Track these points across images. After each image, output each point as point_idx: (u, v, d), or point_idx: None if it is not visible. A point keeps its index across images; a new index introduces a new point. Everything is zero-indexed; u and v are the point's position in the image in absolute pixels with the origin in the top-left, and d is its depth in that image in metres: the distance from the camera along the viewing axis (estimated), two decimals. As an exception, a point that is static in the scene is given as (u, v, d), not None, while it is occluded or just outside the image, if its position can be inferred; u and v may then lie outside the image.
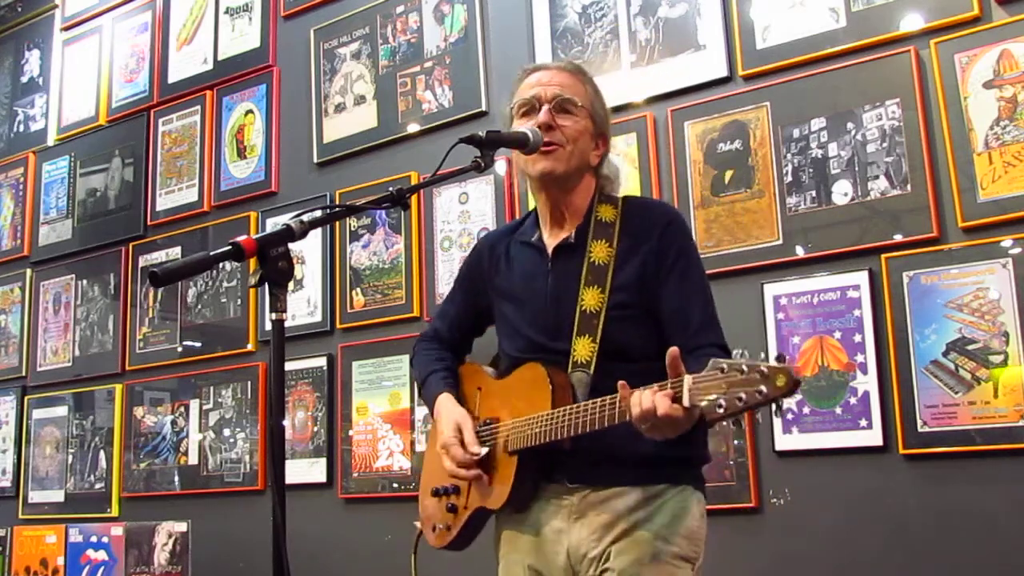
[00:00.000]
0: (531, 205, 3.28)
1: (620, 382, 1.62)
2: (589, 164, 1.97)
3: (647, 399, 1.56)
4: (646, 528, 1.78)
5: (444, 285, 3.46)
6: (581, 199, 1.97)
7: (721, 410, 1.45)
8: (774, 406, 1.44)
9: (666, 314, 1.85)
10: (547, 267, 1.96)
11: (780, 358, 1.42)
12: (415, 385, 2.17)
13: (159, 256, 4.32)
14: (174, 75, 4.47)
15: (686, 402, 1.50)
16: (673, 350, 1.57)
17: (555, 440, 1.76)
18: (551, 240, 1.98)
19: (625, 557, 1.76)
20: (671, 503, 1.82)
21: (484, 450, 1.88)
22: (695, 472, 1.91)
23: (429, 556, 2.10)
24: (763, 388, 1.41)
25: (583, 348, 1.83)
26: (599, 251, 1.89)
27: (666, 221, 1.92)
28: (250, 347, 3.95)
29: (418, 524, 2.10)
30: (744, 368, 1.43)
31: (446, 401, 2.02)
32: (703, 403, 1.47)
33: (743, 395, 1.42)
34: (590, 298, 1.85)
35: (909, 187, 2.63)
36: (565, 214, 1.97)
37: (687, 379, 1.51)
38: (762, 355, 1.40)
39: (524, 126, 1.92)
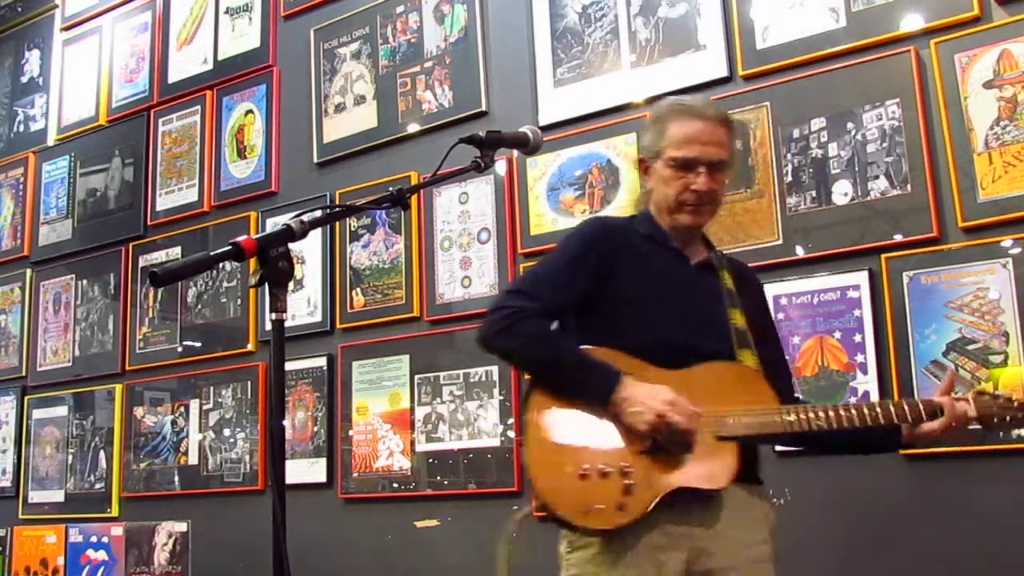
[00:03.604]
0: (532, 204, 3.30)
1: (949, 371, 2.07)
2: None
3: (963, 406, 1.90)
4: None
5: (444, 285, 3.46)
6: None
7: (998, 423, 1.90)
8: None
9: (770, 362, 2.04)
10: (692, 275, 2.06)
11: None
12: (535, 362, 1.98)
13: (159, 256, 4.32)
14: (174, 75, 4.47)
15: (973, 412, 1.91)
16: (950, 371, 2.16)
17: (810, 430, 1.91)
18: (691, 254, 2.08)
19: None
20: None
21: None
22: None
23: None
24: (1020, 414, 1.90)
25: (749, 359, 1.97)
26: (727, 279, 2.06)
27: (759, 282, 2.26)
28: (250, 347, 3.95)
29: (525, 509, 2.09)
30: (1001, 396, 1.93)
31: (635, 380, 1.90)
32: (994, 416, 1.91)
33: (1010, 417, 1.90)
34: (736, 317, 2.00)
35: (909, 187, 2.63)
36: (692, 234, 2.10)
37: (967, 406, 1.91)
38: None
39: (673, 183, 2.01)
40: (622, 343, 1.94)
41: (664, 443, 1.86)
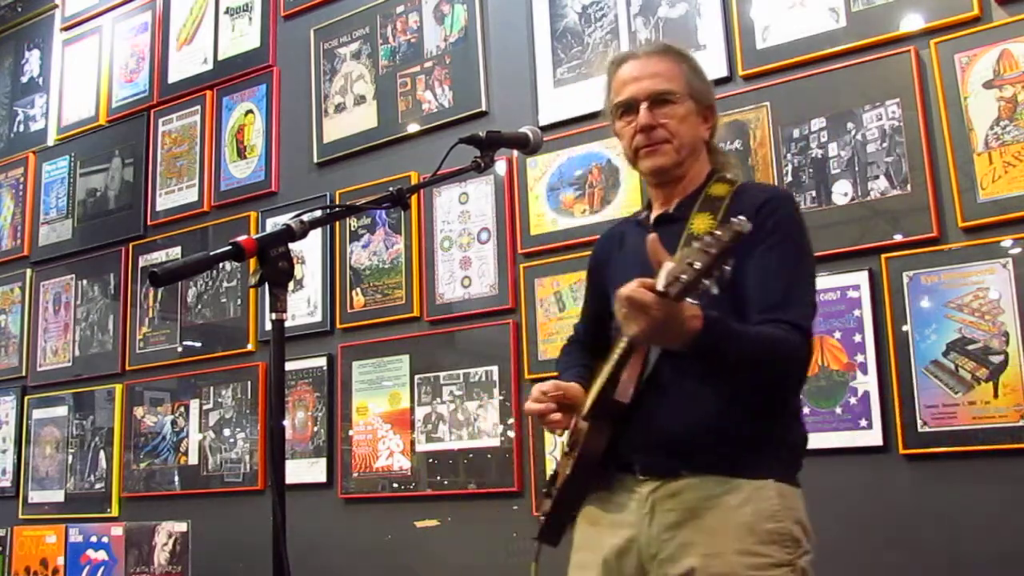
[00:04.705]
0: (532, 204, 3.30)
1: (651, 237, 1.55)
2: (702, 142, 1.90)
3: (627, 286, 1.48)
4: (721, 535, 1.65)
5: (444, 285, 3.47)
6: (694, 178, 1.89)
7: (680, 284, 1.39)
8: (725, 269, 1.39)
9: (748, 289, 1.69)
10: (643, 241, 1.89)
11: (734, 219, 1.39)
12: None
13: (159, 256, 4.32)
14: (174, 75, 4.47)
15: (659, 284, 1.43)
16: (652, 237, 1.53)
17: (607, 393, 1.70)
18: (662, 210, 1.91)
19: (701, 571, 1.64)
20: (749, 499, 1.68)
21: (551, 404, 1.82)
22: (777, 458, 1.73)
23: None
24: (712, 249, 1.37)
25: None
26: (700, 222, 1.76)
27: (768, 196, 1.79)
28: (250, 347, 3.95)
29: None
30: (706, 237, 1.39)
31: None
32: (673, 283, 1.41)
33: (696, 261, 1.38)
34: None
35: (909, 187, 2.63)
36: (674, 192, 1.89)
37: (667, 263, 1.45)
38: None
39: (624, 133, 1.86)
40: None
41: (570, 442, 1.85)
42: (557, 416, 1.81)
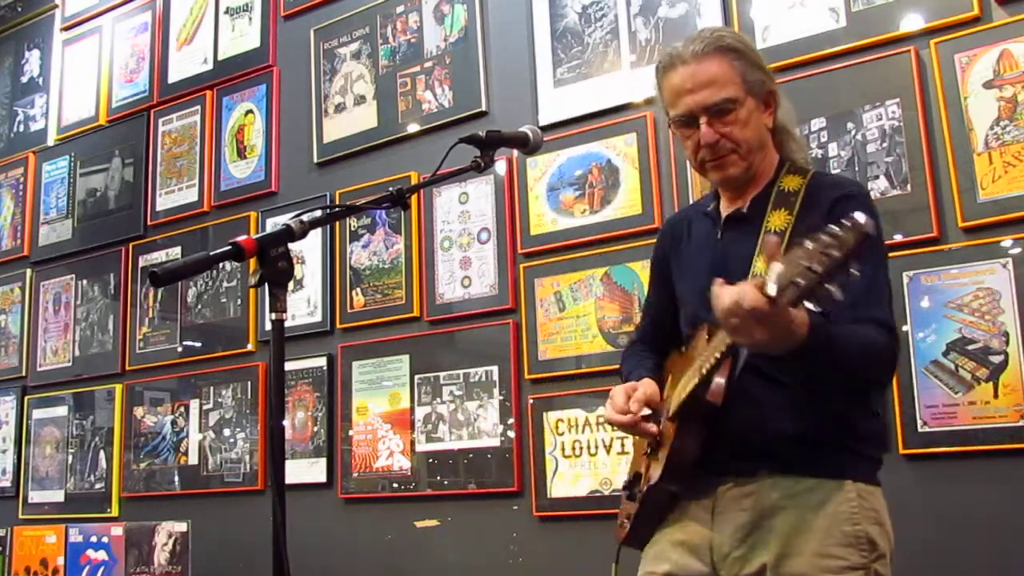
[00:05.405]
0: (532, 204, 3.30)
1: (771, 239, 1.51)
2: (767, 132, 1.83)
3: (733, 290, 1.40)
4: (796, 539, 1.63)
5: (444, 285, 3.47)
6: (765, 172, 1.83)
7: (798, 289, 1.30)
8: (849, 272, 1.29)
9: None
10: (717, 237, 1.84)
11: (853, 215, 1.29)
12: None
13: (159, 256, 4.32)
14: (174, 75, 4.46)
15: (771, 289, 1.33)
16: (771, 238, 1.49)
17: (698, 395, 1.62)
18: (726, 209, 1.85)
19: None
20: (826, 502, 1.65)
21: (645, 411, 1.75)
22: (858, 456, 1.72)
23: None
24: (834, 251, 1.27)
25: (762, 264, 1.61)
26: (777, 219, 1.72)
27: (843, 193, 1.73)
28: (250, 347, 3.95)
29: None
30: (822, 236, 1.28)
31: (619, 386, 1.86)
32: (787, 288, 1.31)
33: (816, 265, 1.28)
34: (764, 266, 1.60)
35: (909, 187, 2.63)
36: (747, 188, 1.83)
37: (775, 265, 1.34)
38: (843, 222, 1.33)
39: (687, 145, 1.81)
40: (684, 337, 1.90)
41: (650, 442, 1.80)
42: (652, 427, 1.75)
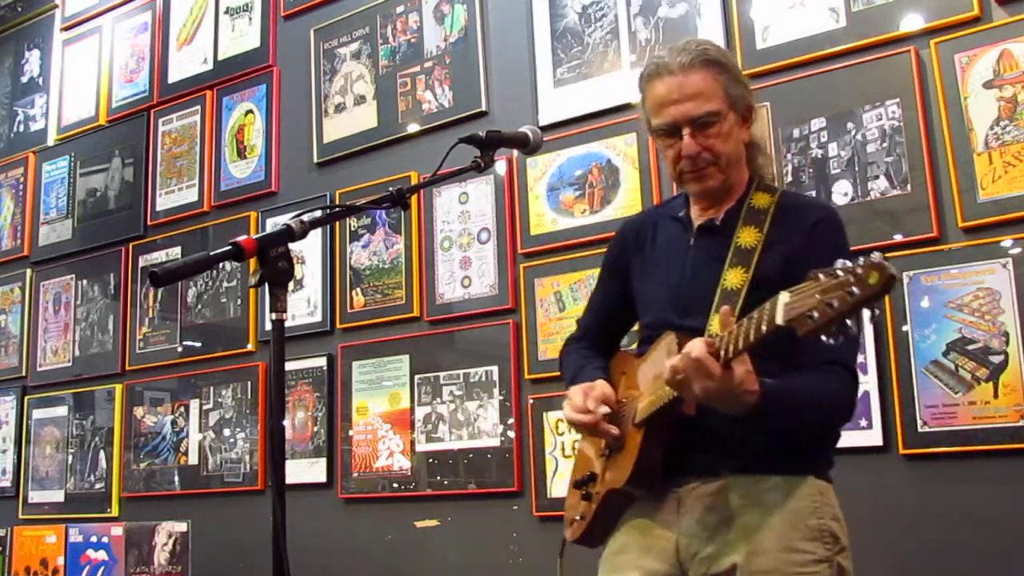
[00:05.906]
0: (532, 204, 3.30)
1: (724, 308, 1.54)
2: (743, 146, 1.86)
3: (690, 345, 1.47)
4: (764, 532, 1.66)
5: (444, 285, 3.47)
6: (737, 186, 1.86)
7: (812, 322, 1.30)
8: (868, 312, 1.28)
9: None
10: (688, 243, 1.86)
11: (872, 255, 1.28)
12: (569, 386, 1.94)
13: (159, 256, 4.32)
14: (174, 75, 4.47)
15: (779, 319, 1.35)
16: (725, 308, 1.53)
17: (671, 405, 1.63)
18: (698, 218, 1.87)
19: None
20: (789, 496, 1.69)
21: (604, 409, 1.77)
22: (818, 454, 1.78)
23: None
24: (855, 289, 1.26)
25: (719, 326, 1.62)
26: (747, 235, 1.77)
27: (820, 216, 1.80)
28: (250, 347, 3.95)
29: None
30: (839, 272, 1.29)
31: (575, 386, 1.88)
32: (800, 319, 1.32)
33: (835, 301, 1.28)
34: (733, 277, 1.73)
35: (909, 187, 2.63)
36: (720, 201, 1.87)
37: (783, 295, 1.37)
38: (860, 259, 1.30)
39: (668, 154, 1.84)
40: (641, 331, 1.92)
41: (609, 443, 1.82)
42: (614, 428, 1.76)
